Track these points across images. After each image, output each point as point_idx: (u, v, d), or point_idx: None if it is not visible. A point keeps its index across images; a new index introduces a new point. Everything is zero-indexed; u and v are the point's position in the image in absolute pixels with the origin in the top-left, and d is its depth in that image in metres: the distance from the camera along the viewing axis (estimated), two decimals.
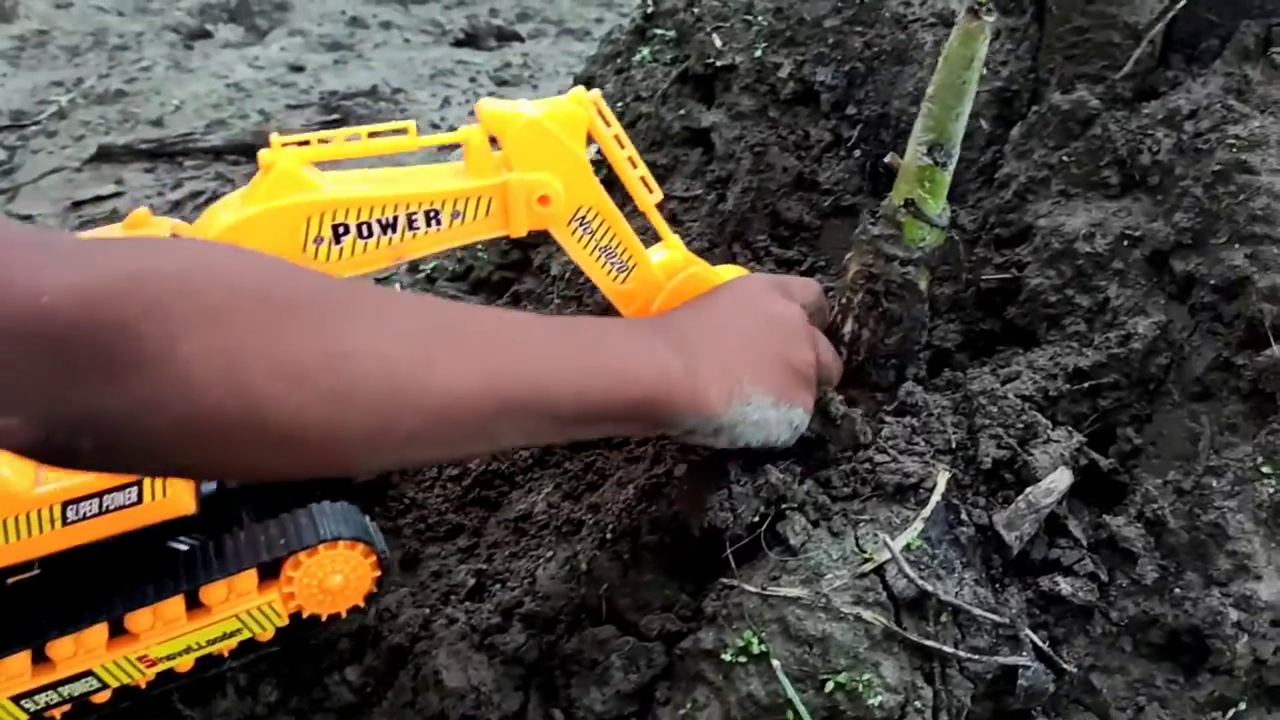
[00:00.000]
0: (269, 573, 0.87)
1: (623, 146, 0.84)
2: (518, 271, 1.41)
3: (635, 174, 0.85)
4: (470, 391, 0.62)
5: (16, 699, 0.80)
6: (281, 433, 0.55)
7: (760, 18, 1.28)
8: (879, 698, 0.74)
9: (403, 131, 0.76)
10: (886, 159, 0.89)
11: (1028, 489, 0.83)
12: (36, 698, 0.81)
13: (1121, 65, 0.99)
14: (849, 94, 1.21)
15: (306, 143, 0.74)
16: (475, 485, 1.12)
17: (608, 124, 0.83)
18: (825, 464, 0.85)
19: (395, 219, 0.75)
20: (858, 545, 0.79)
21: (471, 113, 2.45)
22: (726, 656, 0.78)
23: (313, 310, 0.58)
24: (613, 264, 0.85)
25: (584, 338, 0.74)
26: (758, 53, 1.26)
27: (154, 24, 3.18)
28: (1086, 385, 0.90)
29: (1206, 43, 1.00)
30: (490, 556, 1.03)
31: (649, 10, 1.49)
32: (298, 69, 2.77)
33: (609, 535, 0.93)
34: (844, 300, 0.91)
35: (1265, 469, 0.81)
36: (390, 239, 0.75)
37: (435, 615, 0.96)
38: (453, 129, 2.31)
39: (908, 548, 0.78)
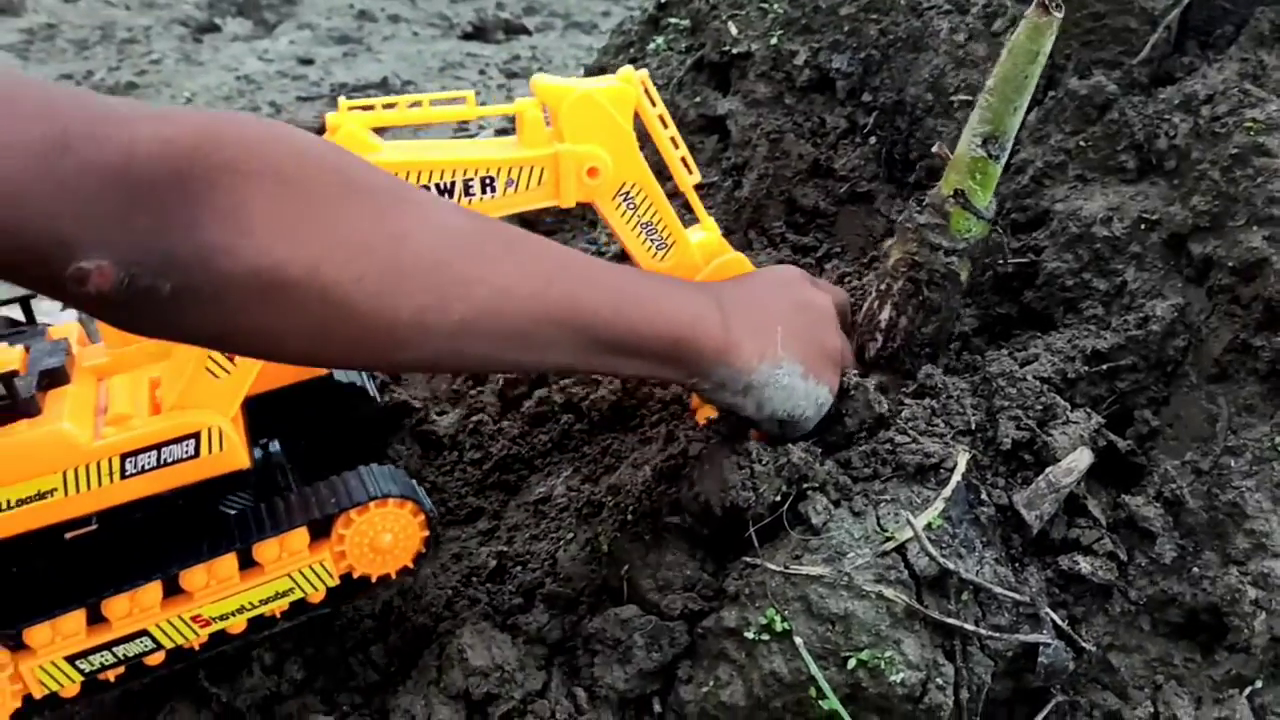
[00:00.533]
0: (320, 531, 0.87)
1: (666, 126, 0.86)
2: None
3: (677, 154, 0.87)
4: (518, 291, 0.66)
5: (72, 659, 0.80)
6: (337, 298, 0.57)
7: (776, 5, 1.28)
8: (901, 675, 0.75)
9: (461, 100, 0.79)
10: (934, 149, 0.89)
11: (1048, 469, 0.83)
12: (92, 658, 0.81)
13: (1138, 51, 1.00)
14: (864, 81, 1.21)
15: (371, 108, 0.77)
16: (495, 469, 1.13)
17: (653, 103, 0.85)
18: (846, 444, 0.86)
19: (453, 184, 0.78)
20: (879, 524, 0.80)
21: (483, 104, 2.46)
22: (749, 634, 0.78)
23: (378, 194, 0.61)
24: (653, 240, 0.88)
25: (630, 274, 0.77)
26: (773, 40, 1.26)
27: (161, 18, 3.19)
28: (1105, 367, 0.91)
29: (1222, 29, 1.01)
30: (511, 539, 1.04)
31: (662, 0, 1.49)
32: (307, 62, 2.77)
33: (629, 516, 0.93)
34: (883, 286, 0.91)
35: None
36: None
37: (458, 596, 0.97)
38: (463, 121, 2.31)
39: (929, 526, 0.79)
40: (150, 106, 0.56)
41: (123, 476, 0.77)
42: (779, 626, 0.77)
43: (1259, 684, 0.81)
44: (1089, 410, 0.88)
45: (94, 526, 0.78)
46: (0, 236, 0.50)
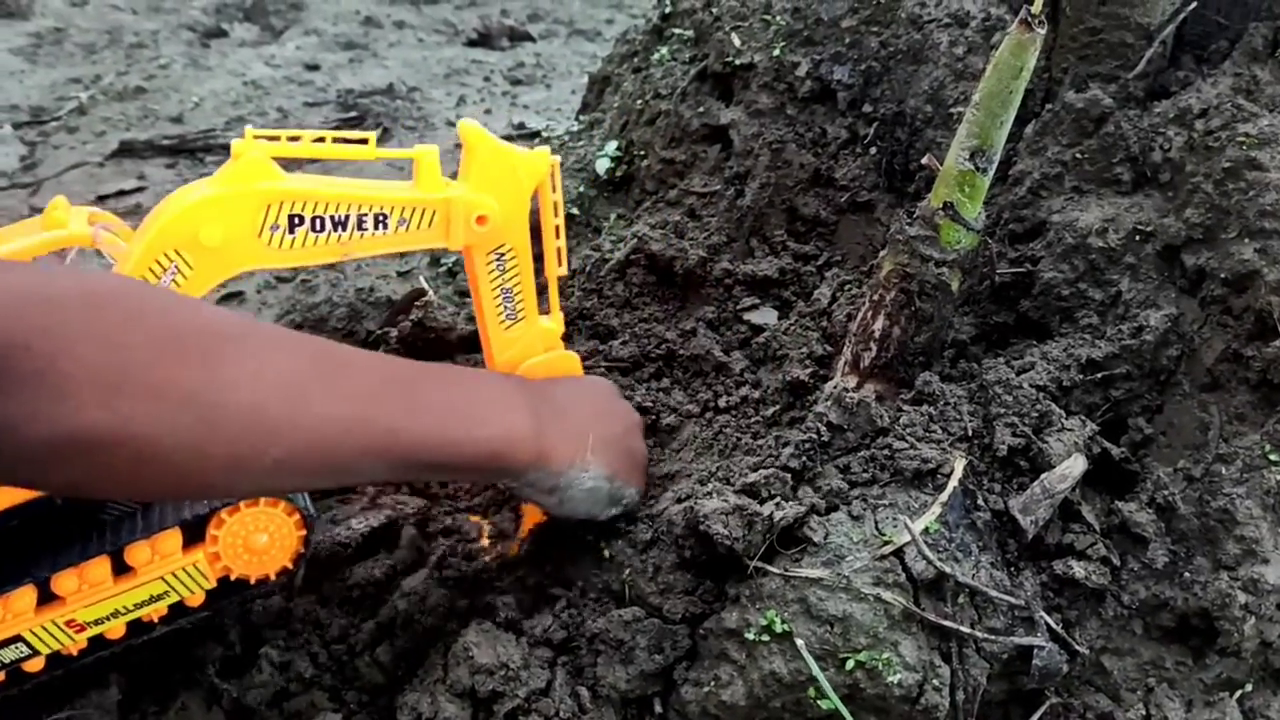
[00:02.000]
0: (194, 533, 0.87)
1: (556, 215, 0.92)
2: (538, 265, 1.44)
3: (556, 244, 0.93)
4: (335, 430, 0.68)
5: None
6: (148, 454, 0.59)
7: (778, 17, 1.30)
8: (898, 676, 0.77)
9: (363, 141, 0.82)
10: (924, 160, 0.91)
11: (1043, 475, 0.85)
12: None
13: (1134, 65, 1.02)
14: (865, 92, 1.23)
15: (277, 139, 0.80)
16: None
17: (554, 189, 0.91)
18: (846, 450, 0.88)
19: (347, 217, 0.81)
20: (877, 529, 0.82)
21: (488, 110, 2.47)
22: (750, 635, 0.80)
23: (203, 343, 0.62)
24: (507, 307, 0.93)
25: (454, 389, 0.81)
26: (776, 52, 1.28)
27: (169, 22, 3.21)
28: (1099, 376, 0.93)
29: (1216, 44, 1.03)
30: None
31: (666, 10, 1.51)
32: (314, 68, 2.79)
33: (630, 529, 0.95)
34: (876, 297, 0.93)
35: (1273, 457, 0.83)
36: (340, 236, 0.82)
37: (461, 597, 0.98)
38: None
39: (926, 531, 0.81)
40: None
41: None
42: (779, 628, 0.79)
43: (1249, 687, 0.83)
44: (1084, 418, 0.90)
45: None
46: None
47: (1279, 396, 0.85)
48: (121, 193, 2.03)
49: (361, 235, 0.83)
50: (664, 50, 1.44)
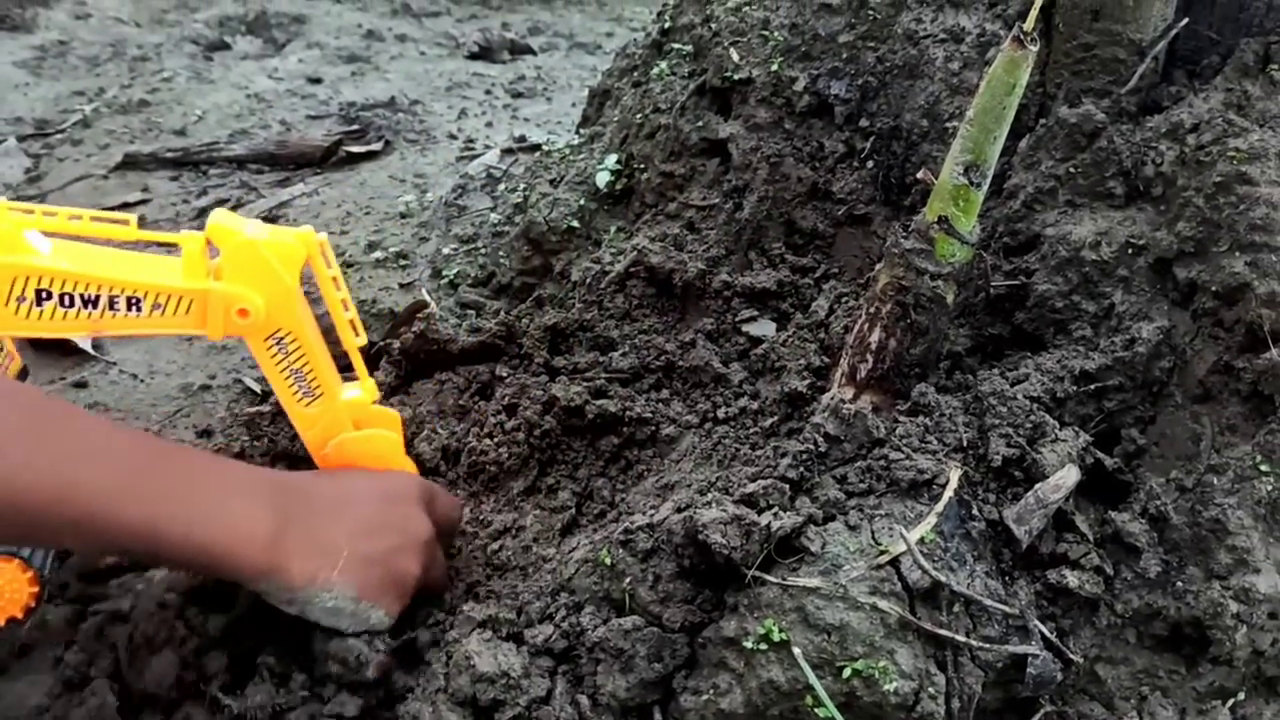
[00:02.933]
0: None
1: (338, 289, 0.93)
2: (539, 277, 1.45)
3: (346, 316, 0.93)
4: (36, 498, 0.66)
5: None
6: None
7: (776, 33, 1.32)
8: (894, 684, 0.78)
9: (124, 222, 0.83)
10: (919, 175, 0.92)
11: (1037, 485, 0.86)
12: None
13: (1126, 80, 1.03)
14: (862, 107, 1.25)
15: (32, 212, 0.81)
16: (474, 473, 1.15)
17: (329, 264, 0.92)
18: (843, 461, 0.89)
19: (98, 297, 0.82)
20: (873, 538, 0.83)
21: (489, 123, 2.49)
22: (748, 644, 0.81)
23: None
24: (300, 387, 0.93)
25: (179, 480, 0.77)
26: (774, 67, 1.30)
27: (172, 35, 3.23)
28: (1093, 387, 0.94)
29: (1208, 59, 1.04)
30: (513, 549, 1.06)
31: (666, 25, 1.53)
32: (316, 80, 2.81)
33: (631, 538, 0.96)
34: (872, 309, 0.94)
35: (1264, 467, 0.84)
36: (90, 314, 0.83)
37: (460, 608, 0.99)
38: (470, 140, 2.33)
39: (922, 541, 0.82)
40: None
41: None
42: (777, 636, 0.80)
43: (1241, 696, 0.84)
44: (1077, 429, 0.91)
45: None
46: None
47: (1270, 408, 0.86)
48: (125, 205, 2.04)
49: (113, 315, 0.83)
50: (663, 65, 1.46)
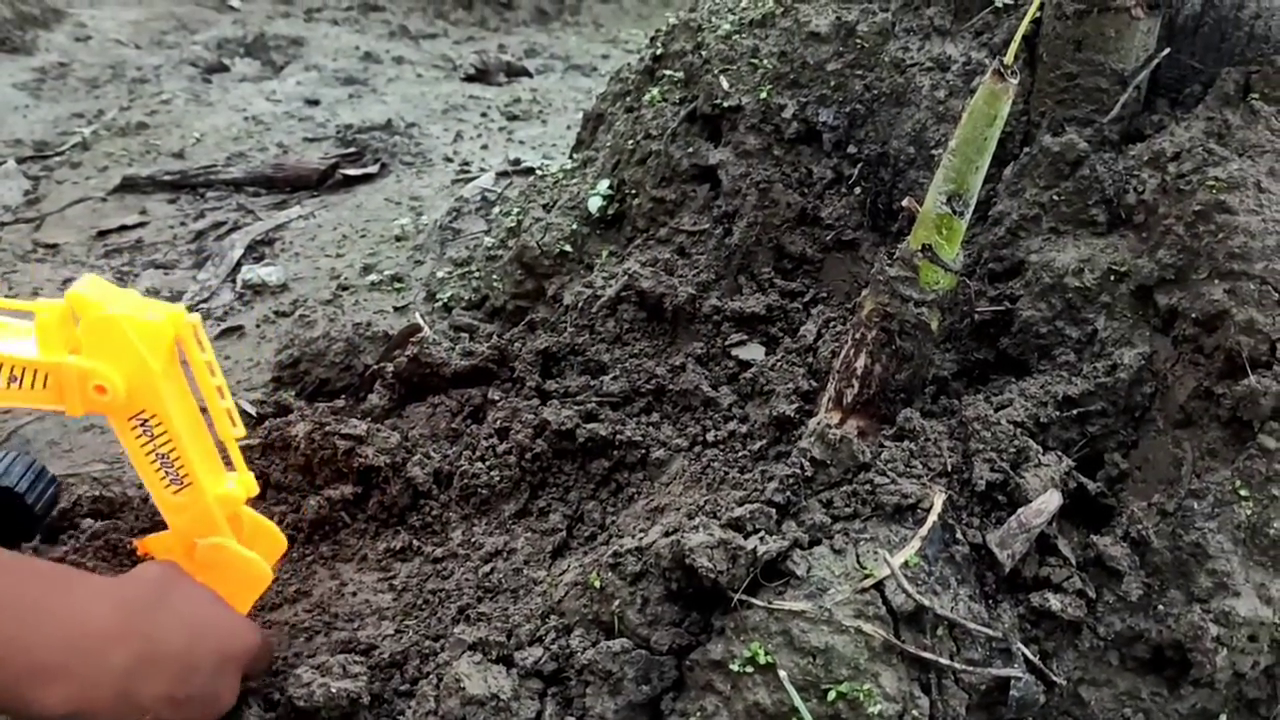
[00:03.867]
0: None
1: (213, 375, 0.89)
2: (532, 301, 1.46)
3: (222, 405, 0.89)
4: None
5: None
6: None
7: (765, 61, 1.34)
8: (879, 706, 0.78)
9: None
10: (904, 202, 0.94)
11: (1019, 509, 0.87)
12: None
13: (1109, 109, 1.05)
14: (850, 134, 1.26)
15: None
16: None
17: (203, 349, 0.87)
18: (829, 485, 0.90)
19: None
20: (858, 562, 0.84)
21: (485, 145, 2.50)
22: (734, 667, 0.82)
23: None
24: (168, 473, 0.88)
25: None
26: (763, 94, 1.31)
27: (171, 58, 3.26)
28: (1075, 412, 0.95)
29: (1190, 88, 1.06)
30: (504, 572, 1.07)
31: (658, 52, 1.55)
32: (314, 103, 2.83)
33: (620, 561, 0.97)
34: (858, 335, 0.96)
35: (1243, 492, 0.86)
36: None
37: (451, 631, 1.00)
38: (466, 163, 2.35)
39: (906, 565, 0.83)
40: None
41: None
42: (763, 659, 0.81)
43: (1223, 718, 0.85)
44: (1060, 453, 0.92)
45: None
46: None
47: (1249, 434, 0.88)
48: (124, 228, 2.06)
49: None
50: (655, 91, 1.48)
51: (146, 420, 0.86)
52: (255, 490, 0.95)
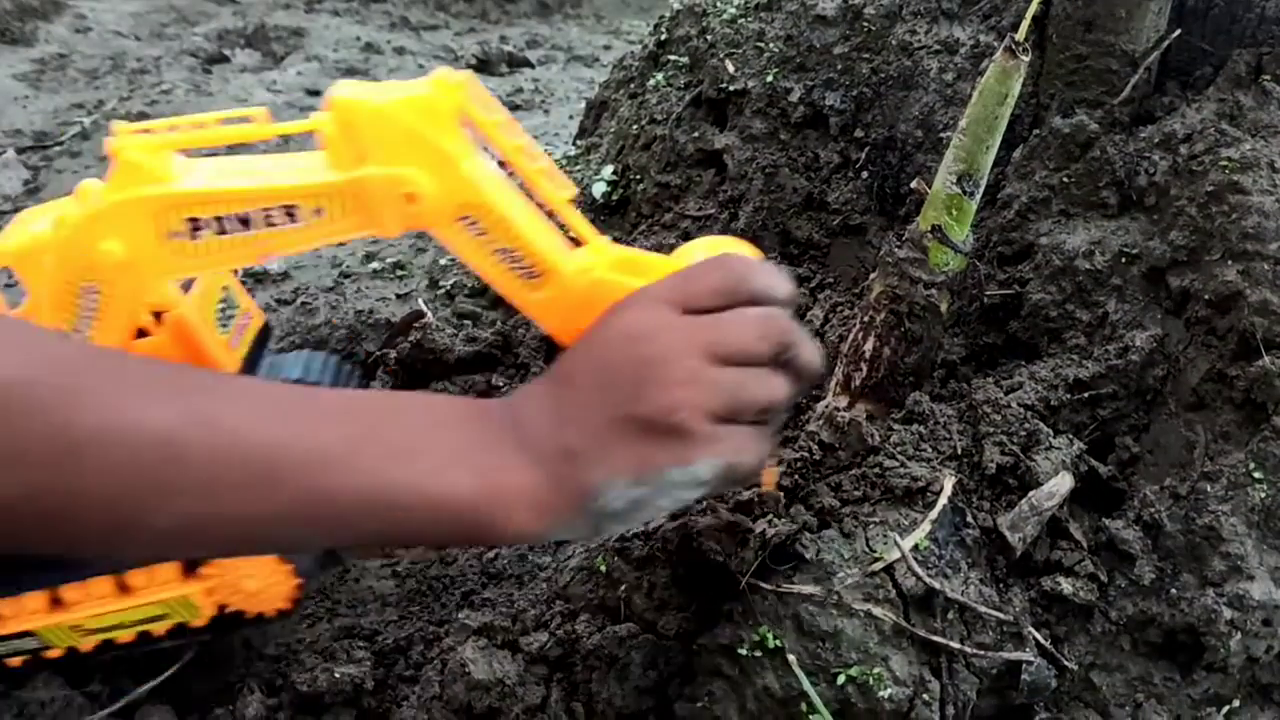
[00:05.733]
0: (191, 566, 0.88)
1: (515, 135, 0.70)
2: None
3: (534, 166, 0.70)
4: (235, 498, 0.54)
5: None
6: (14, 523, 0.51)
7: (771, 44, 1.33)
8: (889, 690, 0.78)
9: (248, 120, 0.68)
10: (913, 184, 0.93)
11: (1030, 493, 0.86)
12: None
13: (1119, 91, 1.04)
14: (857, 118, 1.25)
15: (150, 131, 0.68)
16: None
17: (489, 110, 0.69)
18: (837, 469, 0.89)
19: (249, 215, 0.68)
20: (868, 545, 0.83)
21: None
22: (743, 651, 0.81)
23: (45, 388, 0.51)
24: (519, 268, 0.70)
25: (399, 438, 0.59)
26: (769, 78, 1.30)
27: (172, 48, 3.24)
28: (1086, 395, 0.94)
29: (1200, 70, 1.05)
30: (509, 557, 1.06)
31: (662, 37, 1.54)
32: (315, 93, 2.82)
33: (626, 546, 0.96)
34: (867, 318, 0.95)
35: (1257, 474, 0.85)
36: (250, 235, 0.68)
37: (455, 615, 0.99)
38: None
39: (916, 548, 0.82)
40: None
41: None
42: (771, 644, 0.80)
43: (1236, 703, 0.84)
44: (1071, 436, 0.91)
45: None
46: None
47: (1262, 416, 0.87)
48: None
49: (272, 231, 0.68)
50: (659, 76, 1.47)
51: (470, 220, 0.69)
52: (607, 248, 0.72)
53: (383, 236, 0.70)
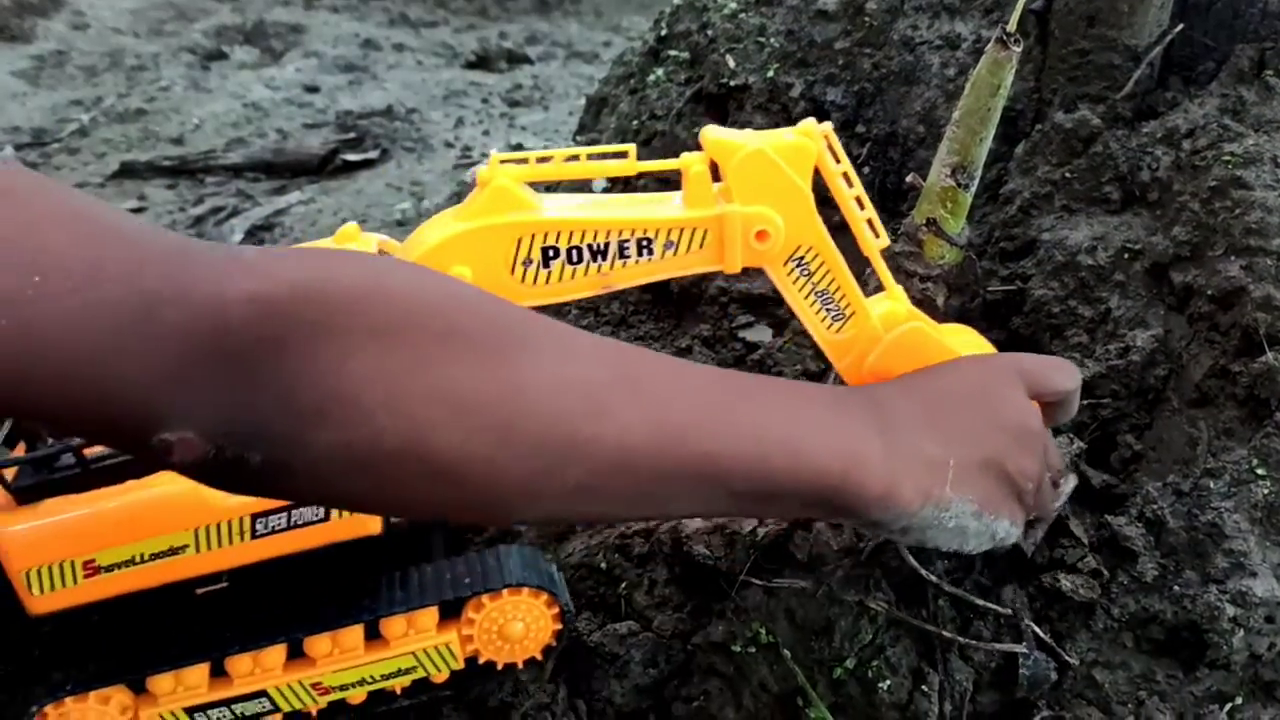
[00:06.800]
0: (450, 612, 0.85)
1: (850, 185, 0.77)
2: None
3: (862, 215, 0.77)
4: (644, 450, 0.58)
5: (190, 711, 0.80)
6: (438, 467, 0.52)
7: (772, 39, 1.32)
8: (886, 683, 0.77)
9: (623, 155, 0.72)
10: (908, 178, 0.92)
11: None
12: (210, 712, 0.81)
13: (1122, 86, 1.04)
14: (858, 113, 1.25)
15: (525, 161, 0.71)
16: None
17: (837, 160, 0.76)
18: None
19: (606, 245, 0.71)
20: (858, 536, 0.83)
21: (486, 131, 2.49)
22: (737, 648, 0.81)
23: (486, 339, 0.54)
24: (829, 310, 0.78)
25: (772, 404, 0.66)
26: (770, 73, 1.30)
27: (170, 45, 3.24)
28: (1088, 395, 0.94)
29: (1203, 65, 1.04)
30: None
31: (662, 33, 1.53)
32: (313, 89, 2.82)
33: (627, 543, 0.96)
34: None
35: (1260, 471, 0.84)
36: (599, 266, 0.71)
37: None
38: (467, 148, 2.34)
39: None
40: (245, 254, 0.51)
41: (253, 536, 0.76)
42: (765, 639, 0.80)
43: (1239, 700, 0.83)
44: (1072, 435, 0.91)
45: (224, 584, 0.79)
46: (83, 403, 0.46)
47: (1266, 412, 0.86)
48: None
49: (624, 263, 0.71)
50: (660, 72, 1.46)
51: (803, 257, 0.75)
52: (906, 300, 0.81)
53: (725, 271, 0.75)
